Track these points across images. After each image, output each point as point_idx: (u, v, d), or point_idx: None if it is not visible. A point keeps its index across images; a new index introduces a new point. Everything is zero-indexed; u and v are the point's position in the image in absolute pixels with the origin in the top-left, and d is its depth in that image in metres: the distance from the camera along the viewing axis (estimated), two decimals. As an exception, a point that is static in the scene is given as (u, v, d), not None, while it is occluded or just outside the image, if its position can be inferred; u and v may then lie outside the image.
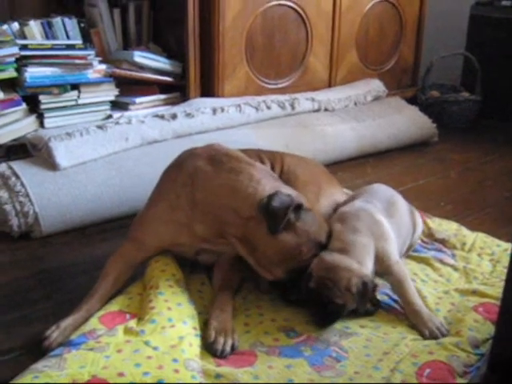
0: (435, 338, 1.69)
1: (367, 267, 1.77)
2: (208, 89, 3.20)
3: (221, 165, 1.83)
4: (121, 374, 1.43)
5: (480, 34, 4.13)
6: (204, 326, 1.71)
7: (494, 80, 4.03)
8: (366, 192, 2.07)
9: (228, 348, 1.61)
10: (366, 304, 1.76)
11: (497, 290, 1.88)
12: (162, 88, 3.17)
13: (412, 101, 3.90)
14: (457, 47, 4.15)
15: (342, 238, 1.82)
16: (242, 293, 1.91)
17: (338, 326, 1.74)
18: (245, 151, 2.01)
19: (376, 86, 3.78)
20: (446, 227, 2.35)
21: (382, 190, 2.09)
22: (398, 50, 4.02)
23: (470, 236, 2.28)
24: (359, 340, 1.68)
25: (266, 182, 1.80)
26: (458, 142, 3.71)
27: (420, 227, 2.16)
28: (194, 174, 1.84)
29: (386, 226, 1.89)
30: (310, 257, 1.77)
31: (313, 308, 1.76)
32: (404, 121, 3.58)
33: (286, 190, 1.82)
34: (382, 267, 1.83)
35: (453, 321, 1.77)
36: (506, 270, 1.98)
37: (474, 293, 1.91)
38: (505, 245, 2.21)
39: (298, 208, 1.76)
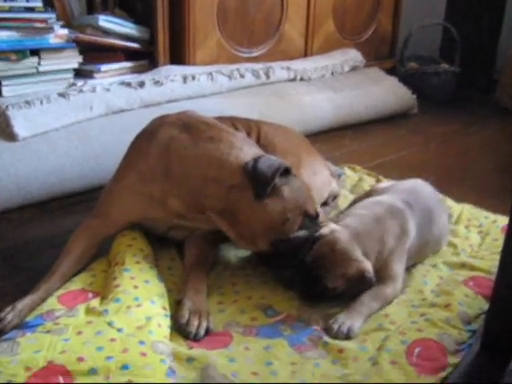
0: (332, 334, 1.51)
1: (370, 262, 1.64)
2: (178, 56, 3.06)
3: (199, 133, 1.70)
4: (81, 359, 1.30)
5: (459, 4, 4.04)
6: (175, 306, 1.58)
7: (473, 51, 3.95)
8: (411, 192, 1.89)
9: (202, 331, 1.50)
10: (355, 294, 1.63)
11: (487, 263, 1.79)
12: (129, 55, 3.01)
13: (390, 73, 3.79)
14: (436, 17, 4.05)
15: (364, 220, 1.71)
16: (215, 269, 1.79)
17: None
18: (218, 119, 1.88)
19: (353, 55, 3.68)
20: (431, 199, 2.24)
21: (426, 195, 1.91)
22: (376, 20, 3.91)
23: (457, 207, 2.19)
24: (342, 318, 1.57)
25: (248, 150, 1.68)
26: (438, 113, 3.64)
27: (445, 241, 1.97)
28: (169, 144, 1.70)
29: (410, 240, 1.75)
30: (295, 228, 1.65)
31: (299, 284, 1.64)
32: (382, 92, 3.48)
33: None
34: (380, 270, 1.66)
35: (441, 293, 1.67)
36: (495, 243, 1.91)
37: (463, 266, 1.81)
38: (493, 216, 2.12)
39: (286, 172, 1.65)
